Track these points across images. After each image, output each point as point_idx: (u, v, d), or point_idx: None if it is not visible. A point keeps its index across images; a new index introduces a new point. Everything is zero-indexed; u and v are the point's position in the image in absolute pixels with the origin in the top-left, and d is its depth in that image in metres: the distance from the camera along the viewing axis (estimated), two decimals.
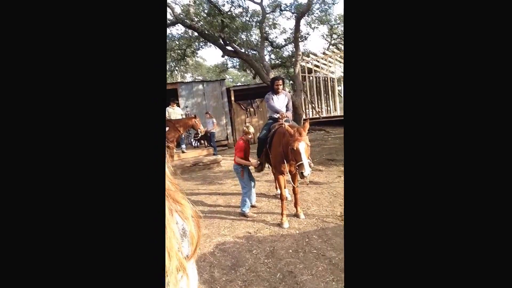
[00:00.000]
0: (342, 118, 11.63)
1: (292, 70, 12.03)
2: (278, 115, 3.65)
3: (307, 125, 2.97)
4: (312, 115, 13.73)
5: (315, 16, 13.78)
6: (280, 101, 3.80)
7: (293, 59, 11.10)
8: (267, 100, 3.81)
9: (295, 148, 2.73)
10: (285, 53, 15.33)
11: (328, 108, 15.25)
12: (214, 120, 9.07)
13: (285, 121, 3.48)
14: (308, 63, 13.45)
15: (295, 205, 3.52)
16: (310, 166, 3.47)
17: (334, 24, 16.31)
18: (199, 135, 8.69)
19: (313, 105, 14.06)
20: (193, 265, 0.47)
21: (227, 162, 7.64)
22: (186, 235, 0.45)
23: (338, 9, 43.87)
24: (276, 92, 3.77)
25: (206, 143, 9.39)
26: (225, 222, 3.58)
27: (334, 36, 17.25)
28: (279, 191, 3.82)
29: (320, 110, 14.27)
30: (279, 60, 15.27)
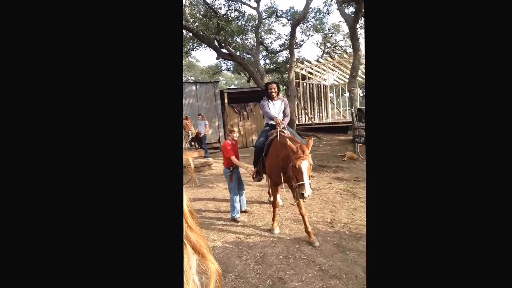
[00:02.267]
0: (334, 125, 11.76)
1: (286, 75, 12.11)
2: (275, 122, 3.46)
3: (311, 142, 2.72)
4: (305, 121, 13.82)
5: (310, 24, 13.96)
6: (276, 107, 3.60)
7: (288, 65, 11.19)
8: (263, 107, 3.59)
9: (297, 167, 2.51)
10: (280, 59, 15.47)
11: (320, 115, 15.39)
12: (207, 122, 9.02)
13: (282, 128, 3.34)
14: (302, 69, 13.57)
15: (306, 230, 2.95)
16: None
17: (328, 33, 16.57)
18: (190, 137, 8.62)
19: (306, 111, 14.17)
20: None
21: (218, 165, 7.59)
22: None
23: (332, 19, 44.49)
24: (271, 97, 3.57)
25: (197, 145, 9.31)
26: (215, 227, 3.54)
27: (328, 44, 17.50)
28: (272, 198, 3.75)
29: (312, 116, 14.38)
30: (274, 65, 15.38)
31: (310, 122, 13.35)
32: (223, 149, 3.63)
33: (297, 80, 12.96)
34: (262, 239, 3.08)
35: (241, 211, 3.82)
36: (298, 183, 2.52)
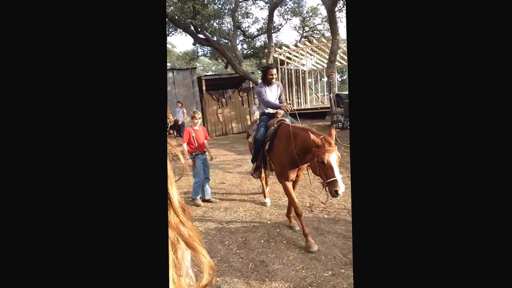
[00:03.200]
0: (312, 110, 11.92)
1: (264, 61, 12.02)
2: (275, 110, 3.15)
3: (334, 131, 2.35)
4: None
5: (288, 7, 13.82)
6: (273, 93, 3.21)
7: (266, 50, 11.08)
8: (260, 94, 3.12)
9: (325, 162, 2.17)
10: (258, 44, 15.28)
11: (299, 101, 15.51)
12: (185, 110, 8.85)
13: (282, 116, 3.05)
14: (280, 54, 13.50)
15: (288, 214, 2.99)
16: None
17: (306, 17, 16.49)
18: (168, 125, 8.44)
19: (285, 97, 14.20)
20: None
21: None
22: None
23: (310, 1, 44.07)
24: (269, 83, 3.17)
25: (175, 133, 9.15)
26: (196, 214, 3.55)
27: (306, 28, 17.45)
28: (267, 200, 3.68)
29: (291, 102, 14.47)
30: (252, 50, 15.18)
31: None
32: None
33: (275, 66, 12.91)
34: (244, 225, 3.13)
35: (204, 200, 3.89)
36: (329, 180, 2.20)
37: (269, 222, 3.14)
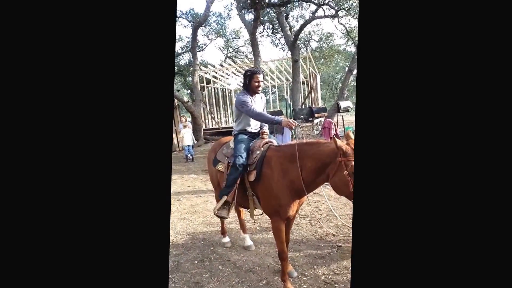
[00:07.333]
0: None
1: (190, 79, 11.94)
2: (261, 127, 2.48)
3: (351, 133, 1.90)
4: (212, 126, 13.91)
5: (212, 28, 14.19)
6: (257, 105, 2.42)
7: (191, 68, 11.08)
8: (245, 104, 2.27)
9: None
10: (182, 62, 15.13)
11: (227, 119, 15.76)
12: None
13: (266, 138, 2.33)
14: (206, 73, 13.63)
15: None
16: None
17: (230, 38, 17.18)
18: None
19: (213, 116, 14.28)
20: None
21: None
22: None
23: (233, 24, 46.21)
24: (254, 92, 2.38)
25: None
26: None
27: (230, 49, 18.12)
28: (226, 239, 2.92)
29: (219, 120, 14.60)
30: (176, 68, 14.94)
31: (217, 126, 13.53)
32: None
33: (201, 84, 12.94)
34: (175, 248, 2.97)
35: None
36: None
37: (202, 242, 3.05)
